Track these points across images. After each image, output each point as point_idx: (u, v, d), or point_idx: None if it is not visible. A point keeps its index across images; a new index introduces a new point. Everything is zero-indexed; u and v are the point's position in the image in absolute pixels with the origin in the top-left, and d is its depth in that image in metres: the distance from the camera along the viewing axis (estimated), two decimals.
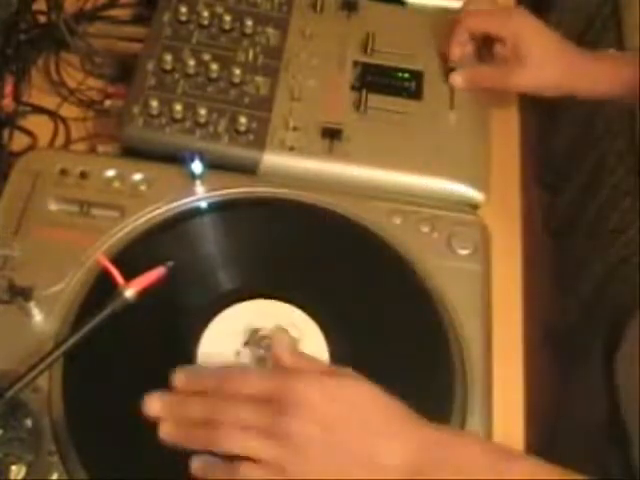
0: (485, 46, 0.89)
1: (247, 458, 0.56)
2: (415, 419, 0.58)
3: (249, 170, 0.81)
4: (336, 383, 0.58)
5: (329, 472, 0.56)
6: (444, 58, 0.89)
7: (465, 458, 0.57)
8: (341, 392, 0.58)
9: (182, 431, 0.58)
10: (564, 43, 0.86)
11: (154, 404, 0.59)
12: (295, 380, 0.57)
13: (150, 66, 0.85)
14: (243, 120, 0.81)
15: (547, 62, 0.84)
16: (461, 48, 0.88)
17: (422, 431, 0.58)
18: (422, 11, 0.95)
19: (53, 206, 0.76)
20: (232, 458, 0.57)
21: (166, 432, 0.58)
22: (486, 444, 0.62)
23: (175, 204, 0.77)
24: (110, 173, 0.79)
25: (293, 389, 0.56)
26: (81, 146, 0.86)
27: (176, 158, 0.78)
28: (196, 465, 0.58)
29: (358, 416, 0.57)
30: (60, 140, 0.86)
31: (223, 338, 0.70)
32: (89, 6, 0.95)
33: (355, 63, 0.89)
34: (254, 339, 0.69)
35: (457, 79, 0.88)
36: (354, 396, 0.58)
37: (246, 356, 0.69)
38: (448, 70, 0.89)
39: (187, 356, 0.69)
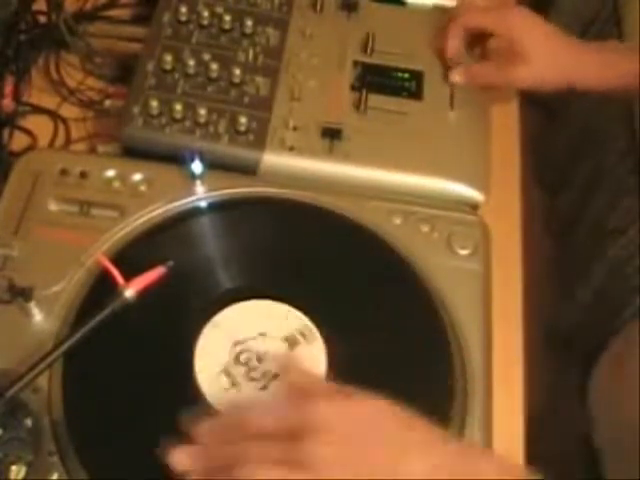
0: (480, 41, 0.89)
1: None
2: (436, 432, 0.58)
3: (249, 170, 0.81)
4: (352, 402, 0.58)
5: None
6: (441, 55, 0.89)
7: (483, 473, 0.57)
8: (358, 410, 0.57)
9: (207, 477, 0.57)
10: (564, 36, 0.85)
11: (177, 456, 0.58)
12: (311, 405, 0.57)
13: (150, 66, 0.85)
14: (243, 120, 0.81)
15: (546, 56, 0.84)
16: (457, 43, 0.88)
17: (442, 444, 0.58)
18: (422, 11, 0.95)
19: (53, 206, 0.76)
20: None
21: None
22: (503, 463, 0.60)
23: (175, 204, 0.77)
24: (110, 173, 0.78)
25: (310, 414, 0.56)
26: (81, 146, 0.86)
27: (176, 158, 0.78)
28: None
29: (377, 432, 0.56)
30: (60, 140, 0.86)
31: (222, 338, 0.70)
32: (89, 6, 0.95)
33: (355, 63, 0.89)
34: (235, 354, 0.69)
35: (457, 76, 0.88)
36: (372, 413, 0.57)
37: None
38: (447, 68, 0.89)
39: (186, 356, 0.69)
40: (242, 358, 0.69)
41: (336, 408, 0.57)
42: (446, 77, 0.89)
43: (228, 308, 0.71)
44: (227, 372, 0.68)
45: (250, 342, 0.70)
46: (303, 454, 0.55)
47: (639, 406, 0.73)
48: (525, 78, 0.85)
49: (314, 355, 0.70)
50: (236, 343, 0.69)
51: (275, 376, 0.69)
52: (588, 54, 0.85)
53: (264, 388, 0.68)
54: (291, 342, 0.71)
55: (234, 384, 0.68)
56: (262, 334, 0.70)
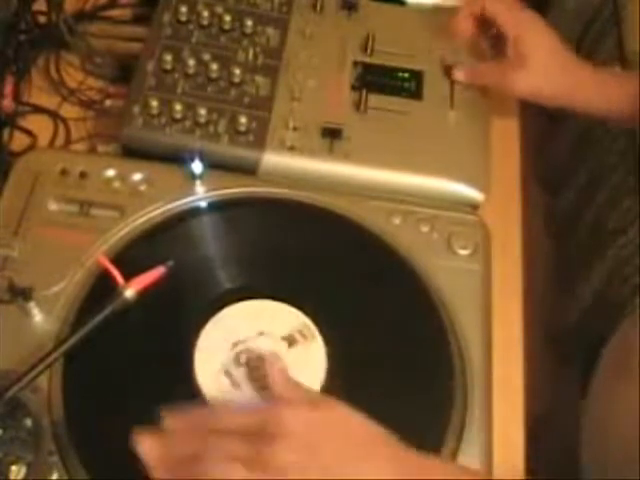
0: (486, 41, 0.90)
1: None
2: (394, 444, 0.60)
3: (249, 170, 0.81)
4: (319, 413, 0.59)
5: None
6: (441, 55, 0.89)
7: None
8: (324, 421, 0.58)
9: (171, 468, 0.58)
10: (568, 53, 0.85)
11: (145, 444, 0.59)
12: (279, 411, 0.58)
13: (150, 66, 0.85)
14: (243, 120, 0.81)
15: (548, 69, 0.84)
16: (467, 22, 0.87)
17: (399, 455, 0.59)
18: (422, 11, 0.95)
19: (53, 206, 0.76)
20: None
21: (158, 473, 0.58)
22: (461, 474, 0.62)
23: (175, 204, 0.78)
24: (110, 173, 0.79)
25: (277, 420, 0.57)
26: (81, 146, 0.86)
27: (176, 158, 0.78)
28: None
29: (339, 443, 0.58)
30: (60, 140, 0.86)
31: (221, 338, 0.70)
32: (89, 6, 0.95)
33: (355, 63, 0.89)
34: (234, 354, 0.69)
35: (459, 75, 0.88)
36: (336, 424, 0.59)
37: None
38: (447, 68, 0.89)
39: (186, 356, 0.69)
40: (242, 359, 0.69)
41: (301, 416, 0.58)
42: (446, 77, 0.89)
43: (228, 308, 0.71)
44: (227, 373, 0.68)
45: (249, 342, 0.70)
46: (264, 456, 0.56)
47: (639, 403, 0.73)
48: (521, 87, 0.85)
49: (313, 354, 0.70)
50: (236, 343, 0.69)
51: None
52: (586, 73, 0.85)
53: (264, 388, 0.68)
54: (290, 341, 0.71)
55: (234, 385, 0.68)
56: (261, 333, 0.70)
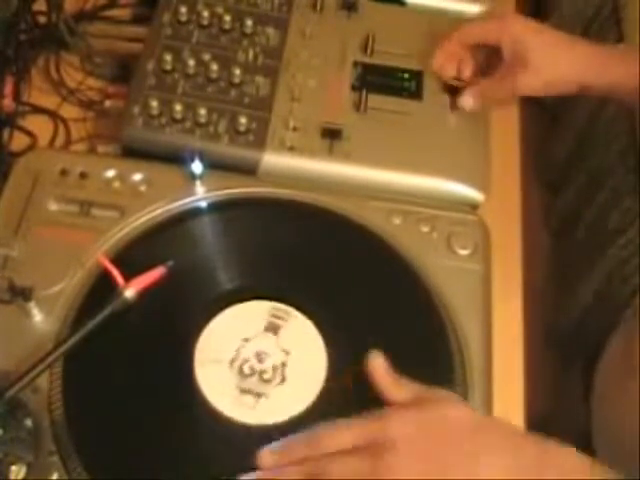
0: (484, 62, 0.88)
1: None
2: (507, 429, 0.60)
3: (249, 170, 0.81)
4: (425, 412, 0.59)
5: None
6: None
7: (562, 460, 0.58)
8: (433, 420, 0.58)
9: None
10: (567, 38, 0.83)
11: None
12: (388, 420, 0.58)
13: (150, 66, 0.85)
14: (243, 120, 0.81)
15: (550, 59, 0.82)
16: (446, 57, 0.86)
17: (515, 440, 0.59)
18: (422, 11, 0.95)
19: (53, 206, 0.76)
20: None
21: None
22: (582, 463, 0.61)
23: (175, 204, 0.78)
24: (110, 173, 0.79)
25: (388, 430, 0.57)
26: (81, 146, 0.86)
27: (176, 158, 0.78)
28: None
29: (452, 439, 0.58)
30: (60, 140, 0.86)
31: (222, 338, 0.70)
32: (89, 6, 0.95)
33: (355, 63, 0.89)
34: (238, 370, 0.69)
35: (467, 101, 0.86)
36: (444, 420, 0.58)
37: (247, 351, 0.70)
38: (445, 85, 0.88)
39: (186, 356, 0.69)
40: (246, 370, 0.69)
41: (410, 420, 0.58)
42: (444, 82, 0.88)
43: (201, 337, 0.70)
44: (244, 390, 0.68)
45: (242, 352, 0.70)
46: (381, 470, 0.56)
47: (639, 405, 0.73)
48: (530, 85, 0.82)
49: (300, 328, 0.71)
50: (231, 361, 0.69)
51: (284, 364, 0.69)
52: (589, 51, 0.83)
53: (283, 381, 0.68)
54: (273, 328, 0.71)
55: (258, 395, 0.68)
56: (245, 339, 0.70)
